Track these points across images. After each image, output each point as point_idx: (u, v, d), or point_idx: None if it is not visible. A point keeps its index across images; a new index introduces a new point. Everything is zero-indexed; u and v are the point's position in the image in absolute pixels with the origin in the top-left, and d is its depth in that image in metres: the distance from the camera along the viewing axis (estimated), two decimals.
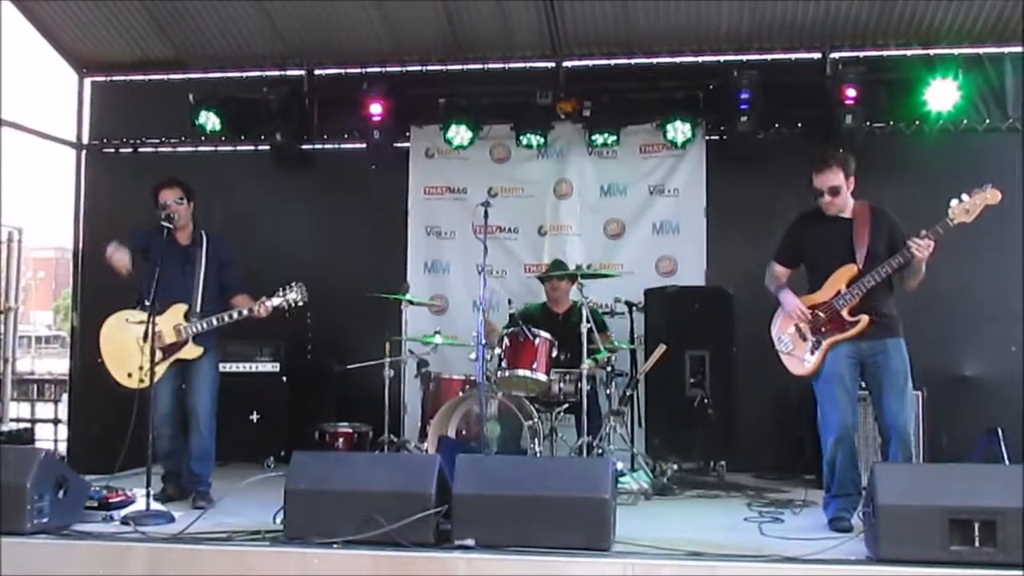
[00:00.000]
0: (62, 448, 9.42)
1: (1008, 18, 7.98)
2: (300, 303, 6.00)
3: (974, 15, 8.01)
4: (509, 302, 7.46)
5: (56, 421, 10.91)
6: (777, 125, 8.42)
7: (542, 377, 6.81)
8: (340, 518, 4.59)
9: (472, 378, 6.96)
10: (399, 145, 8.86)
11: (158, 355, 5.85)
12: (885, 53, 8.42)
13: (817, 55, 8.47)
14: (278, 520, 4.85)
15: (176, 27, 8.79)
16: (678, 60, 8.72)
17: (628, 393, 7.30)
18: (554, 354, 6.95)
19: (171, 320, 6.01)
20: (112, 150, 9.44)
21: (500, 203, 7.74)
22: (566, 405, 7.08)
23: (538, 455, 6.51)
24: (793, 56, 8.58)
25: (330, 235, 8.88)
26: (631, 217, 8.63)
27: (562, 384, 6.99)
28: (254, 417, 8.06)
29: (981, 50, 8.19)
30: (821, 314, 5.48)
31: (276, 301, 5.96)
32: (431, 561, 4.46)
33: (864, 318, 5.39)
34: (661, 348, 7.13)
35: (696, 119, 8.34)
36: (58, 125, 9.76)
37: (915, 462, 5.73)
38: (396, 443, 7.38)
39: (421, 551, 4.49)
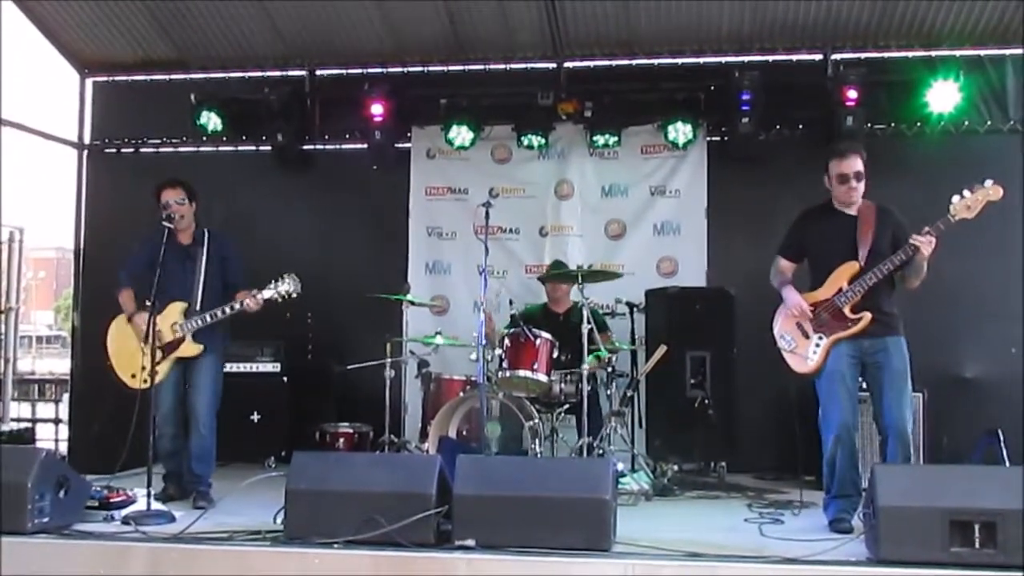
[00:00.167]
0: (63, 448, 9.43)
1: (1009, 20, 7.98)
2: (293, 294, 5.97)
3: (975, 17, 8.01)
4: (510, 303, 7.47)
5: (57, 421, 10.92)
6: (778, 126, 8.42)
7: (543, 378, 6.81)
8: (341, 518, 4.59)
9: (473, 379, 6.96)
10: (400, 146, 8.86)
11: (157, 354, 5.87)
12: (886, 54, 8.43)
13: (818, 56, 8.47)
14: (278, 520, 4.86)
15: (178, 27, 8.80)
16: (679, 61, 8.72)
17: (629, 394, 7.30)
18: (555, 355, 6.95)
19: (170, 319, 6.02)
20: (113, 150, 9.45)
21: (501, 204, 7.75)
22: (567, 406, 7.08)
23: (539, 456, 6.51)
24: (794, 57, 8.58)
25: (331, 235, 8.89)
26: (632, 218, 8.63)
27: (563, 385, 6.99)
28: (255, 417, 8.06)
29: (982, 52, 8.19)
30: (823, 312, 5.48)
31: (268, 293, 5.94)
32: (431, 561, 4.46)
33: (866, 316, 5.38)
34: (662, 349, 7.13)
35: (697, 120, 8.34)
36: (60, 125, 9.78)
37: (915, 463, 5.72)
38: (397, 443, 7.38)
39: (421, 551, 4.49)
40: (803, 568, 4.37)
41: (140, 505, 5.46)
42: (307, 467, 4.91)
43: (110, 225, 9.03)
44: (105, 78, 9.45)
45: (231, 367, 7.90)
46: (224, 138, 8.98)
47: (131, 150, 9.42)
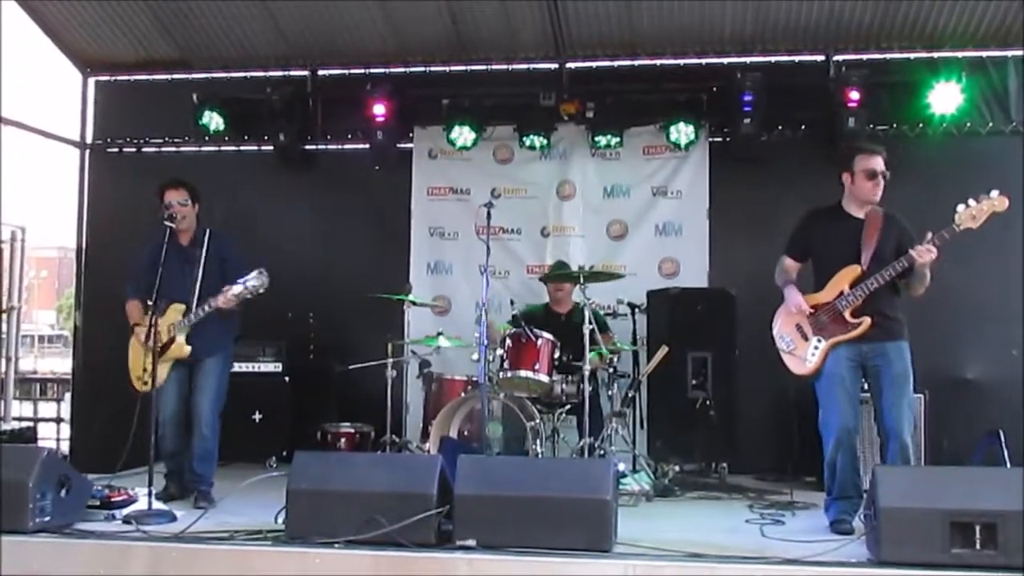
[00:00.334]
0: (64, 447, 9.45)
1: (1011, 22, 7.98)
2: (260, 290, 5.87)
3: (977, 18, 8.02)
4: (512, 303, 7.48)
5: (59, 420, 10.94)
6: (780, 127, 8.41)
7: (544, 378, 6.81)
8: (341, 518, 4.60)
9: (474, 379, 6.96)
10: (402, 146, 8.86)
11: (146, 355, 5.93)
12: (888, 56, 8.43)
13: (820, 57, 8.48)
14: (279, 520, 4.86)
15: (180, 27, 8.81)
16: (681, 62, 8.72)
17: (630, 394, 7.30)
18: (556, 355, 6.95)
19: (168, 321, 6.02)
20: (116, 150, 9.45)
21: (503, 204, 7.75)
22: (568, 406, 7.08)
23: (540, 456, 6.51)
24: (796, 58, 8.58)
25: (333, 236, 8.89)
26: (634, 218, 8.63)
27: (564, 385, 6.98)
28: (256, 417, 8.06)
29: (984, 53, 8.18)
30: (823, 314, 5.47)
31: (236, 289, 5.87)
32: (432, 561, 4.46)
33: (866, 320, 5.38)
34: (663, 350, 7.13)
35: (699, 121, 8.34)
36: (62, 124, 9.79)
37: (915, 464, 5.72)
38: (398, 443, 7.38)
39: (422, 551, 4.49)
40: (804, 569, 4.37)
41: (141, 504, 5.47)
42: (308, 467, 4.91)
43: (112, 225, 9.04)
44: (107, 77, 9.46)
45: (233, 367, 7.93)
46: (226, 138, 8.98)
47: (133, 150, 9.42)
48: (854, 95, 7.81)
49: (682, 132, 8.26)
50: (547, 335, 6.91)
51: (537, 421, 6.69)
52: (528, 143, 8.58)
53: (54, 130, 9.58)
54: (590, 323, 6.78)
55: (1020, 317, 7.78)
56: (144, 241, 6.29)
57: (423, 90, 8.87)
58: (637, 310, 7.79)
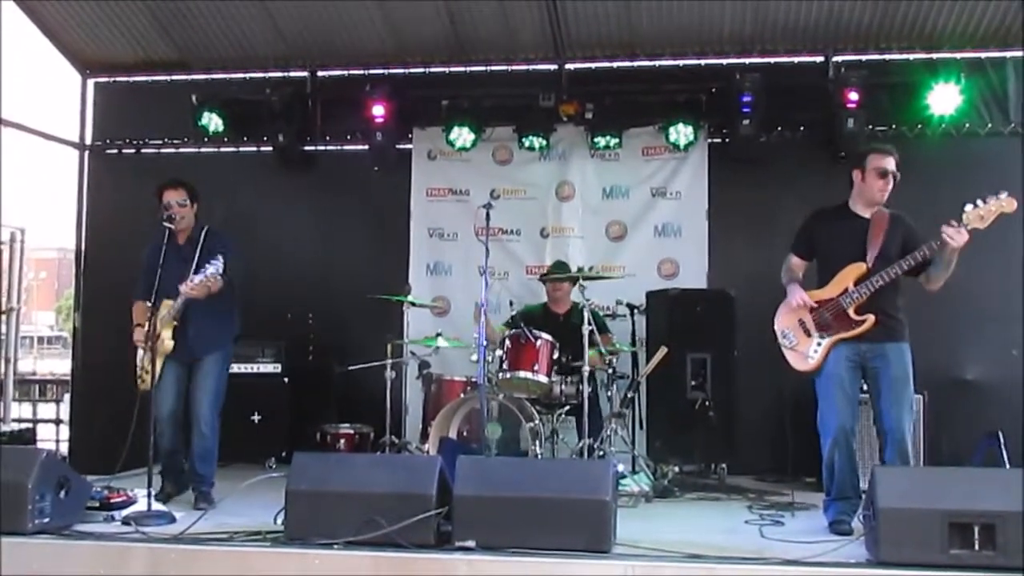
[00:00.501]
0: (64, 448, 9.44)
1: (1010, 22, 7.98)
2: (217, 275, 5.79)
3: (976, 19, 8.02)
4: (511, 304, 7.48)
5: (58, 421, 10.92)
6: (779, 128, 8.41)
7: (543, 379, 6.82)
8: (341, 519, 4.60)
9: (473, 380, 6.96)
10: (401, 147, 8.86)
11: (145, 354, 5.97)
12: (887, 57, 8.43)
13: (819, 58, 8.48)
14: (279, 521, 4.86)
15: (179, 28, 8.81)
16: (680, 63, 8.72)
17: (629, 395, 7.30)
18: (555, 356, 6.95)
19: (159, 317, 6.00)
20: (115, 151, 9.45)
21: (502, 205, 7.76)
22: (567, 407, 7.09)
23: (539, 457, 6.51)
24: (795, 59, 8.58)
25: (332, 236, 8.89)
26: (633, 219, 8.63)
27: (563, 386, 6.99)
28: (255, 418, 8.07)
29: (983, 54, 8.19)
30: (827, 311, 5.47)
31: (198, 279, 5.86)
32: (431, 562, 4.46)
33: (870, 318, 5.37)
34: (662, 351, 7.13)
35: (698, 122, 8.34)
36: (61, 126, 9.80)
37: (914, 465, 5.72)
38: (397, 444, 7.38)
39: (421, 552, 4.50)
40: (803, 570, 4.38)
41: (140, 506, 5.47)
42: (307, 468, 4.91)
43: (111, 226, 9.04)
44: (106, 79, 9.46)
45: (232, 367, 7.89)
46: (225, 139, 8.98)
47: (132, 151, 9.42)
48: (853, 96, 7.81)
49: (681, 133, 8.27)
50: (546, 336, 6.91)
51: (536, 422, 6.69)
52: (527, 144, 8.58)
53: (53, 131, 9.60)
54: (589, 324, 6.78)
55: (1020, 317, 7.78)
56: (143, 242, 6.29)
57: (422, 91, 8.87)
58: (636, 311, 7.79)
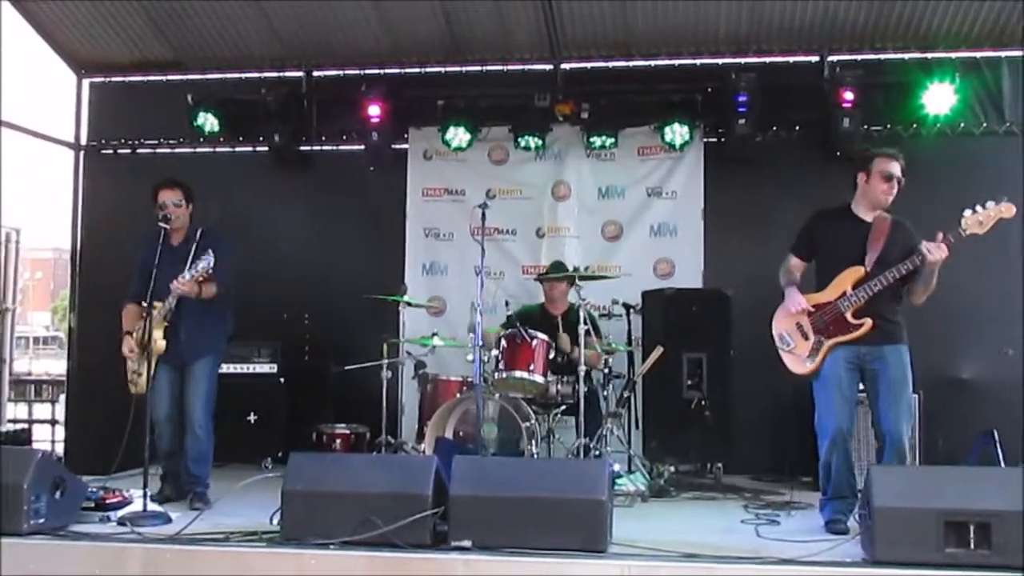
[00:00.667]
0: (59, 449, 9.42)
1: (1005, 22, 8.00)
2: (208, 271, 5.78)
3: (971, 19, 8.03)
4: (507, 304, 7.48)
5: (53, 422, 10.91)
6: (775, 128, 8.42)
7: (539, 379, 6.82)
8: (337, 519, 4.59)
9: (470, 380, 6.96)
10: (397, 147, 8.86)
11: (136, 353, 6.01)
12: (883, 56, 8.45)
13: (815, 58, 8.49)
14: (275, 521, 4.86)
15: (174, 28, 8.80)
16: (676, 62, 8.73)
17: (625, 395, 7.30)
18: (551, 355, 6.95)
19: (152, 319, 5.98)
20: (110, 151, 9.45)
21: (498, 205, 7.74)
22: (563, 407, 7.09)
23: (535, 457, 6.52)
24: (791, 59, 8.60)
25: (328, 236, 8.89)
26: (629, 219, 8.64)
27: (559, 386, 6.99)
28: (251, 418, 8.07)
29: (978, 54, 8.20)
30: (824, 315, 5.47)
31: (188, 275, 5.83)
32: (428, 562, 4.46)
33: (867, 322, 5.36)
34: (658, 350, 7.13)
35: (694, 121, 8.36)
36: (56, 126, 9.77)
37: (910, 464, 5.73)
38: (393, 444, 7.38)
39: (418, 552, 4.49)
40: (799, 569, 4.37)
41: (136, 506, 5.45)
42: (304, 468, 4.90)
43: (107, 226, 9.02)
44: (102, 79, 9.46)
45: (228, 368, 7.92)
46: (221, 139, 8.99)
47: (128, 151, 9.42)
48: (848, 95, 7.82)
49: (677, 133, 8.28)
50: (542, 335, 6.91)
51: (532, 422, 6.69)
52: (523, 144, 8.59)
53: (49, 132, 9.60)
54: (585, 323, 6.78)
55: (1015, 317, 7.80)
56: (138, 248, 6.28)
57: (418, 91, 8.87)
58: (632, 311, 7.81)
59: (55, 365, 18.62)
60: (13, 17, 8.54)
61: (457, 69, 8.97)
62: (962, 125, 8.17)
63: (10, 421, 10.21)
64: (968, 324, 7.91)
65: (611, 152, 8.64)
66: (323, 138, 9.09)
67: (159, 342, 5.97)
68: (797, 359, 5.57)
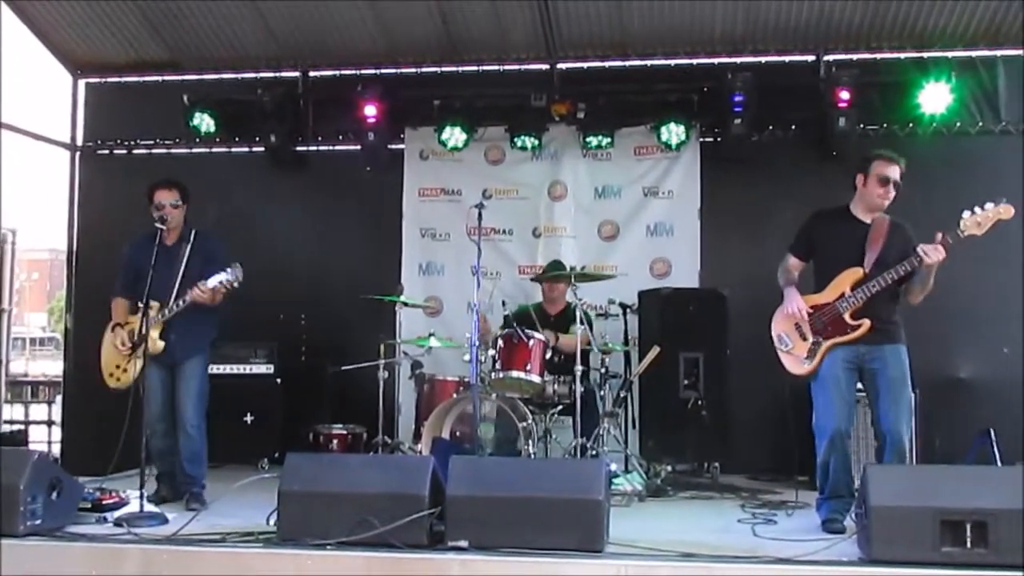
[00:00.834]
0: (56, 450, 9.42)
1: (1001, 21, 8.01)
2: (235, 283, 5.86)
3: (967, 18, 8.04)
4: (503, 304, 7.48)
5: (50, 423, 10.91)
6: (771, 127, 8.43)
7: (536, 379, 6.81)
8: (334, 519, 4.60)
9: (466, 380, 6.96)
10: (394, 147, 8.85)
11: (127, 351, 6.00)
12: (879, 56, 8.46)
13: (811, 57, 8.50)
14: (271, 521, 4.85)
15: (170, 28, 8.79)
16: (672, 62, 8.73)
17: (622, 395, 7.31)
18: (548, 355, 6.95)
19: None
20: (106, 151, 9.44)
21: (494, 205, 7.74)
22: (560, 406, 7.09)
23: (532, 457, 6.52)
24: (787, 58, 8.61)
25: (325, 237, 8.89)
26: (625, 219, 8.64)
27: (556, 386, 6.99)
28: (248, 419, 8.05)
29: (974, 53, 8.21)
30: (823, 316, 5.48)
31: (212, 283, 5.85)
32: (424, 562, 4.46)
33: (866, 322, 5.37)
34: (655, 350, 7.14)
35: (690, 121, 8.35)
36: (52, 127, 9.76)
37: (908, 464, 5.73)
38: (390, 445, 7.38)
39: (414, 552, 4.49)
40: (796, 568, 4.38)
41: (133, 507, 5.45)
42: (300, 468, 4.90)
43: (103, 227, 9.01)
44: (98, 79, 9.46)
45: (225, 368, 7.94)
46: (217, 139, 8.98)
47: (124, 151, 9.41)
48: (844, 95, 7.82)
49: (673, 132, 8.27)
50: (538, 335, 6.91)
51: (529, 422, 6.70)
52: (519, 144, 8.59)
53: (44, 132, 9.58)
54: (582, 323, 6.79)
55: (1012, 316, 7.81)
56: (129, 246, 6.29)
57: (414, 91, 8.86)
58: (628, 310, 7.80)
59: (51, 366, 18.62)
60: (8, 17, 8.51)
61: (453, 69, 8.97)
62: (958, 124, 8.17)
63: (6, 422, 10.19)
64: (965, 324, 7.91)
65: (607, 152, 8.64)
66: (319, 138, 9.08)
67: (157, 342, 5.98)
68: (795, 360, 5.58)
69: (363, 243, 8.87)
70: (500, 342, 6.90)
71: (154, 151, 9.34)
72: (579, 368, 6.75)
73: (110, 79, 9.43)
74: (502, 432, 6.71)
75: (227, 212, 8.50)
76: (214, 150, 9.19)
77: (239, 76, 9.20)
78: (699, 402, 7.47)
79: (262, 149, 8.88)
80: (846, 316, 5.41)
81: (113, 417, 5.70)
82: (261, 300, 8.18)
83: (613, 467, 6.51)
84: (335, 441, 7.50)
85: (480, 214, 6.60)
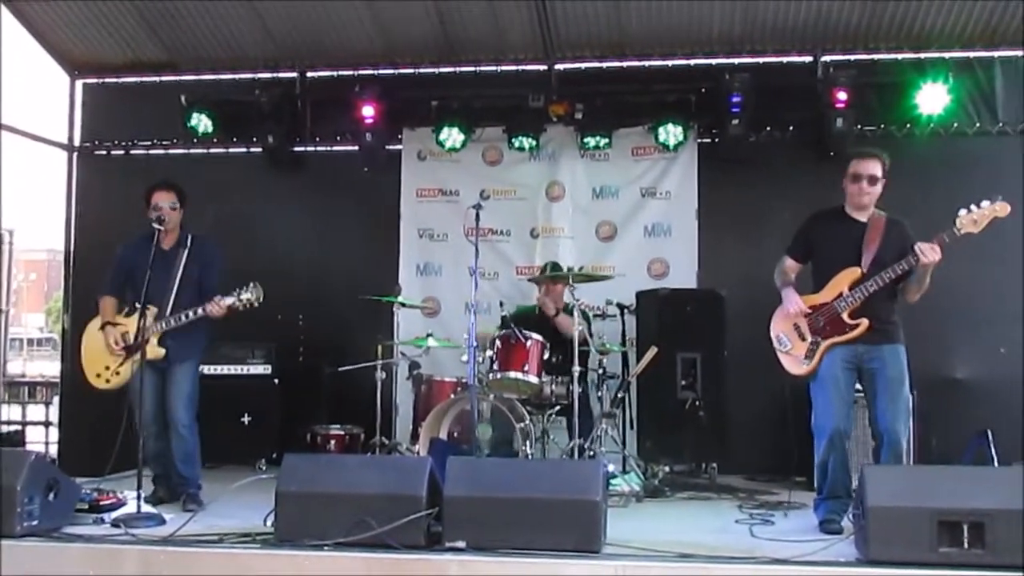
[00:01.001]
0: (53, 450, 9.40)
1: (998, 22, 8.02)
2: (255, 303, 5.91)
3: (964, 19, 8.05)
4: (501, 304, 7.47)
5: (47, 423, 10.88)
6: (768, 128, 8.44)
7: (534, 379, 6.81)
8: (331, 520, 4.60)
9: (464, 380, 6.95)
10: (391, 147, 8.86)
11: (121, 355, 6.00)
12: (876, 56, 8.46)
13: (808, 58, 8.50)
14: (269, 522, 4.85)
15: (167, 29, 8.78)
16: (670, 63, 8.74)
17: (619, 395, 7.31)
18: (546, 356, 6.95)
19: (138, 322, 5.96)
20: (104, 152, 9.44)
21: (492, 205, 7.75)
22: (557, 407, 7.09)
23: (529, 457, 6.51)
24: (784, 59, 8.61)
25: (322, 237, 8.88)
26: (623, 219, 8.64)
27: (553, 386, 6.99)
28: (245, 419, 8.04)
29: (971, 54, 8.22)
30: (821, 316, 5.49)
31: (229, 300, 5.89)
32: (422, 563, 4.46)
33: (864, 322, 5.38)
34: (653, 350, 7.13)
35: (688, 122, 8.35)
36: (49, 127, 9.76)
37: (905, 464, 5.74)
38: (388, 445, 7.38)
39: (412, 553, 4.50)
40: (793, 569, 4.39)
41: (130, 508, 5.46)
42: (298, 469, 4.90)
43: (100, 227, 8.99)
44: (95, 80, 9.45)
45: (222, 369, 7.94)
46: (215, 140, 8.96)
47: (121, 152, 9.41)
48: (842, 96, 7.83)
49: (671, 133, 8.28)
50: (536, 336, 6.91)
51: (527, 422, 6.69)
52: (517, 144, 8.59)
53: (42, 133, 9.56)
54: (579, 324, 6.78)
55: (1009, 317, 7.81)
56: (123, 246, 6.29)
57: (412, 92, 8.86)
58: (626, 311, 7.80)
59: (49, 367, 18.60)
60: (6, 18, 8.50)
61: (451, 70, 8.96)
62: (955, 125, 8.17)
63: (4, 423, 10.18)
64: (962, 324, 7.92)
65: (605, 152, 8.64)
66: (317, 139, 9.08)
67: (157, 349, 5.98)
68: (794, 360, 5.59)
69: (361, 244, 8.86)
70: (498, 343, 6.90)
71: (151, 152, 9.33)
72: (576, 369, 6.75)
73: (107, 80, 9.42)
74: (500, 433, 6.70)
75: (225, 213, 8.49)
76: (212, 151, 9.18)
77: (237, 77, 9.19)
78: (697, 403, 7.46)
79: (260, 150, 8.88)
80: (844, 316, 5.42)
81: (110, 418, 5.71)
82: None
83: (611, 468, 6.50)
84: (333, 442, 7.51)
85: (478, 215, 6.60)
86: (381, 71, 8.99)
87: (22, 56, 9.85)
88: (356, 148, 8.74)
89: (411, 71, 9.02)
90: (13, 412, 11.67)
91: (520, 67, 8.90)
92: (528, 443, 6.59)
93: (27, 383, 13.97)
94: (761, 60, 8.57)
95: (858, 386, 5.59)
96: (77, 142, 9.44)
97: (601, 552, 4.56)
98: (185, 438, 6.10)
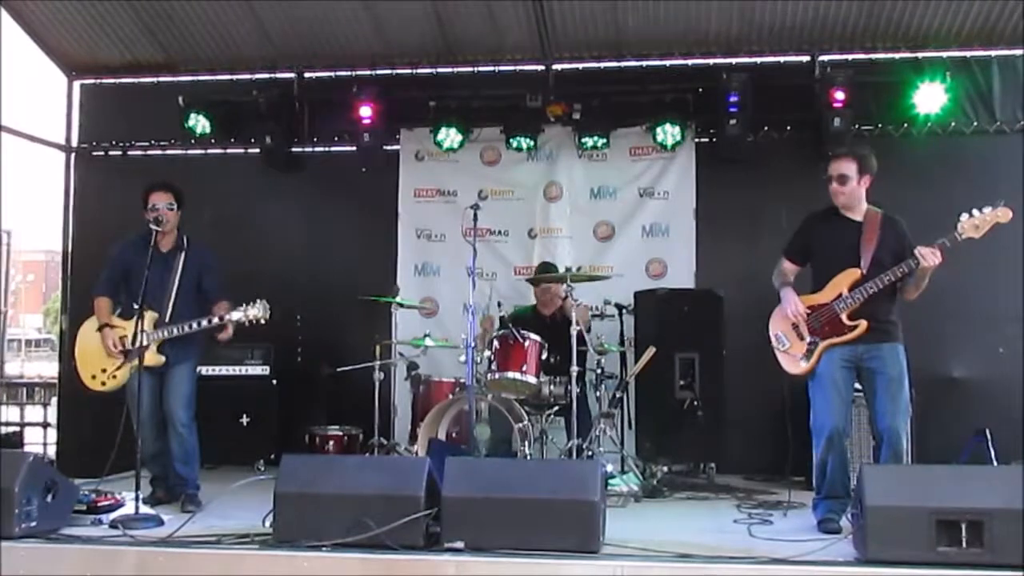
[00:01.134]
0: (51, 452, 9.39)
1: (995, 21, 8.02)
2: (262, 320, 5.90)
3: (961, 18, 8.05)
4: (499, 305, 7.48)
5: (45, 424, 10.87)
6: (766, 128, 8.44)
7: (532, 380, 6.81)
8: (330, 521, 4.60)
9: (462, 381, 6.95)
10: (389, 148, 8.85)
11: (118, 359, 5.98)
12: (873, 56, 8.46)
13: (806, 58, 8.50)
14: (267, 523, 4.85)
15: (165, 30, 8.78)
16: (668, 63, 8.73)
17: (618, 395, 7.31)
18: (544, 356, 6.95)
19: (136, 325, 5.95)
20: (101, 153, 9.42)
21: (490, 206, 7.77)
22: (556, 408, 7.09)
23: (528, 458, 6.52)
24: (782, 59, 8.61)
25: (320, 238, 8.88)
26: (621, 220, 8.64)
27: (552, 387, 6.99)
28: (244, 420, 8.04)
29: (969, 53, 8.22)
30: (820, 316, 5.49)
31: (236, 316, 5.88)
32: (420, 563, 4.47)
33: (862, 323, 5.39)
34: (651, 351, 7.13)
35: (686, 122, 8.35)
36: (47, 128, 9.75)
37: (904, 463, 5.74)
38: (386, 446, 7.38)
39: (410, 554, 4.50)
40: (791, 568, 4.39)
41: (128, 509, 5.46)
42: (296, 470, 4.90)
43: (98, 228, 8.97)
44: (93, 81, 9.44)
45: (220, 370, 7.94)
46: (212, 141, 8.95)
47: (119, 153, 9.40)
48: (839, 95, 7.83)
49: (668, 133, 8.27)
50: (534, 336, 6.91)
51: (525, 422, 6.69)
52: (515, 145, 8.58)
53: (39, 134, 9.54)
54: (577, 324, 6.78)
55: (1008, 316, 7.82)
56: (120, 246, 6.28)
57: (410, 92, 8.86)
58: (624, 311, 7.80)
59: (47, 368, 18.58)
60: (3, 19, 8.49)
61: (449, 70, 8.96)
62: (953, 124, 8.18)
63: (2, 424, 10.17)
64: (960, 323, 7.92)
65: (603, 153, 8.64)
66: (315, 139, 9.07)
67: (157, 356, 5.97)
68: (792, 359, 5.59)
69: (359, 244, 8.86)
70: (496, 343, 6.90)
71: (149, 153, 9.33)
72: (575, 369, 6.75)
73: (105, 80, 9.41)
74: (498, 433, 6.70)
75: (223, 213, 8.50)
76: (209, 151, 9.18)
77: (234, 77, 9.18)
78: (695, 403, 7.47)
79: (257, 150, 8.85)
80: (843, 316, 5.43)
81: (109, 419, 5.70)
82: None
83: (609, 468, 6.51)
84: (331, 442, 7.51)
85: (476, 215, 6.60)
86: (379, 71, 8.98)
87: (20, 57, 9.85)
88: (354, 148, 8.72)
89: (409, 71, 9.02)
90: (11, 413, 11.68)
91: (518, 67, 8.90)
92: (526, 443, 6.59)
93: (25, 384, 13.95)
94: (758, 60, 8.57)
95: (857, 385, 5.60)
96: (75, 143, 9.43)
97: (600, 552, 4.56)
98: (184, 437, 6.10)
